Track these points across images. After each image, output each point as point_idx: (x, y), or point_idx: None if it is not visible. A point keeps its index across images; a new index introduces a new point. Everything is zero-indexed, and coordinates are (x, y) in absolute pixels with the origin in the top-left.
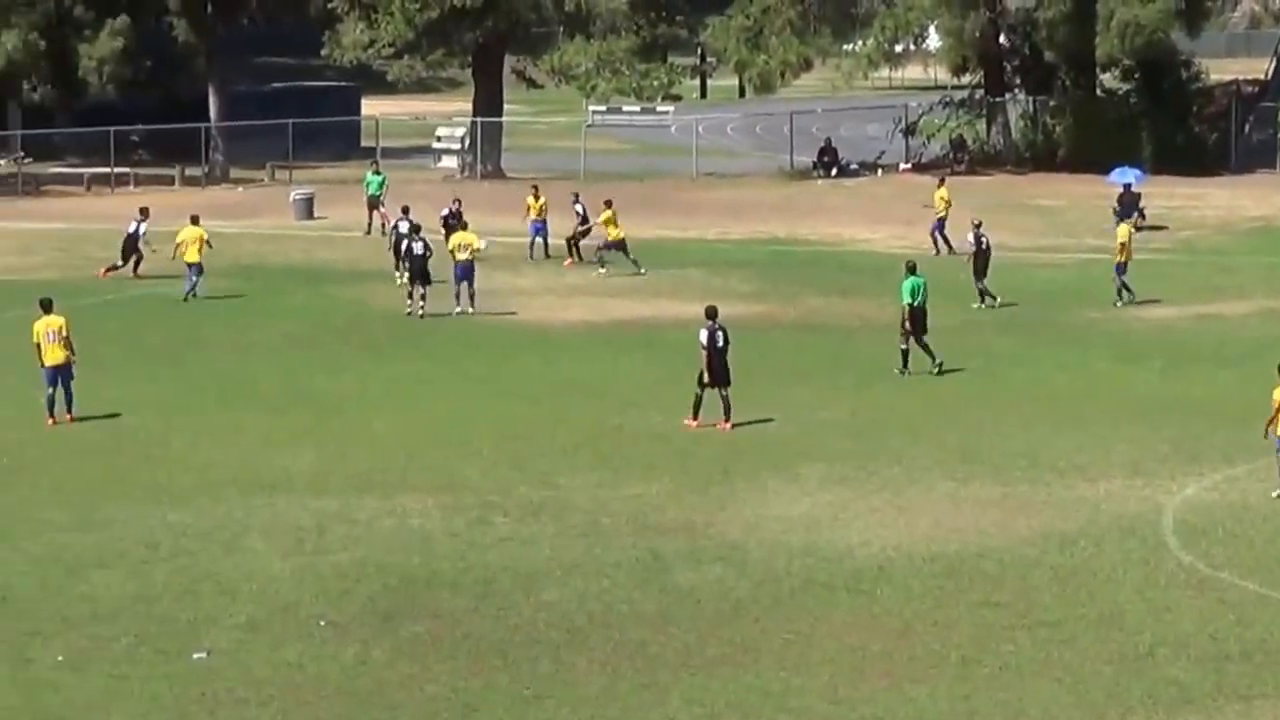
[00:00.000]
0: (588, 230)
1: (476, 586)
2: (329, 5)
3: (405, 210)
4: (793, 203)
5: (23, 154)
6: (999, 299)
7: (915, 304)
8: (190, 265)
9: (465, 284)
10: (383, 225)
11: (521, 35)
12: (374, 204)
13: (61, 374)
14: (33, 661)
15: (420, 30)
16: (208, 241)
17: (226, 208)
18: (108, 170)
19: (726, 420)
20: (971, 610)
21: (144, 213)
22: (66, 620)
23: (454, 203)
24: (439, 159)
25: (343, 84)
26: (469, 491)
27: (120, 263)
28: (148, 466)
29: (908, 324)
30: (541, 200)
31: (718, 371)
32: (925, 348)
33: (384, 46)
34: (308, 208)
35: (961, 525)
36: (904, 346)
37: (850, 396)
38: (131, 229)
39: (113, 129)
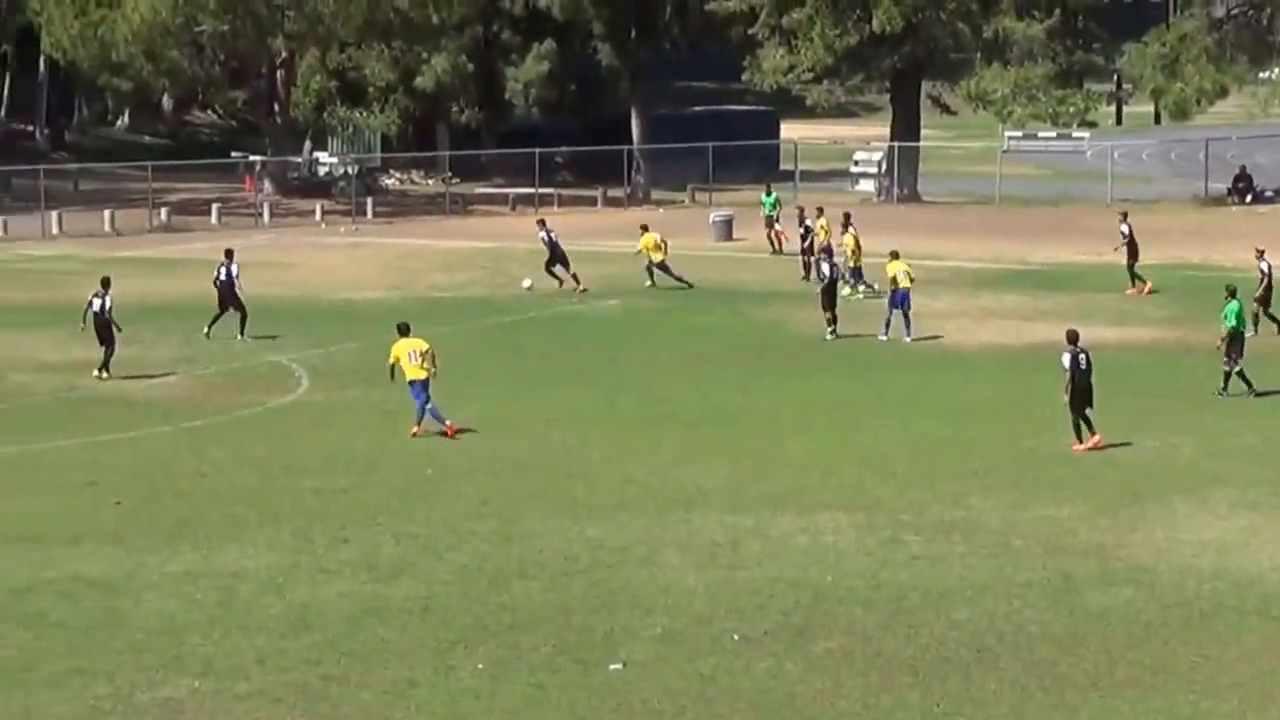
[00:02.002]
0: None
1: (888, 604)
2: (750, 31)
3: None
4: (1206, 229)
5: (450, 174)
6: None
7: (1235, 328)
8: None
9: (899, 310)
10: (779, 243)
11: (939, 61)
12: (770, 223)
13: (422, 389)
14: (454, 669)
15: (840, 56)
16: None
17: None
18: (532, 191)
19: (1081, 441)
20: None
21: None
22: (487, 629)
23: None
24: (856, 182)
25: (762, 108)
26: (882, 510)
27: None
28: (567, 481)
29: (1227, 346)
30: (823, 221)
31: (1083, 394)
32: (1240, 374)
33: (803, 72)
34: (726, 229)
35: None
36: (1230, 369)
37: (1262, 422)
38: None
39: (537, 151)
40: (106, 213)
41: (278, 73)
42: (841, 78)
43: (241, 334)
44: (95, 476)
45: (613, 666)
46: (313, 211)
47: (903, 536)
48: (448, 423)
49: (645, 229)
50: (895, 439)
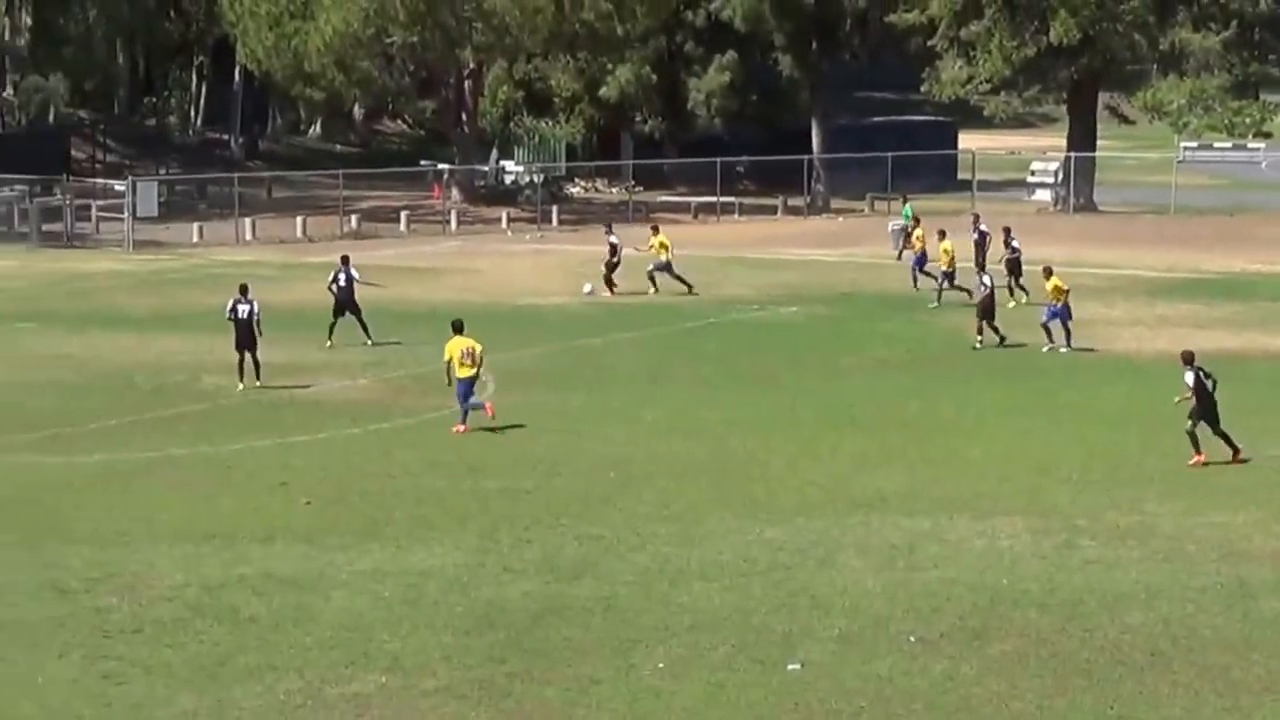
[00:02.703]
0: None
1: (1063, 607)
2: (929, 43)
3: (1007, 231)
4: None
5: (634, 183)
6: None
7: None
8: (946, 274)
9: (1059, 321)
10: (900, 252)
11: (1115, 72)
12: (907, 233)
13: (468, 387)
14: (635, 667)
15: (1017, 67)
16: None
17: (827, 237)
18: (714, 199)
19: (1200, 452)
20: None
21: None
22: (668, 628)
23: (1007, 246)
24: (1032, 192)
25: (940, 119)
26: (1057, 515)
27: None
28: (747, 484)
29: None
30: (919, 231)
31: (1210, 412)
32: None
33: (981, 83)
34: (905, 238)
35: None
36: None
37: None
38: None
39: (719, 160)
40: (298, 219)
41: (466, 83)
42: (1019, 89)
43: (369, 338)
44: (286, 477)
45: (791, 666)
46: (499, 219)
47: (1078, 541)
48: (486, 404)
49: (656, 230)
50: (1070, 445)
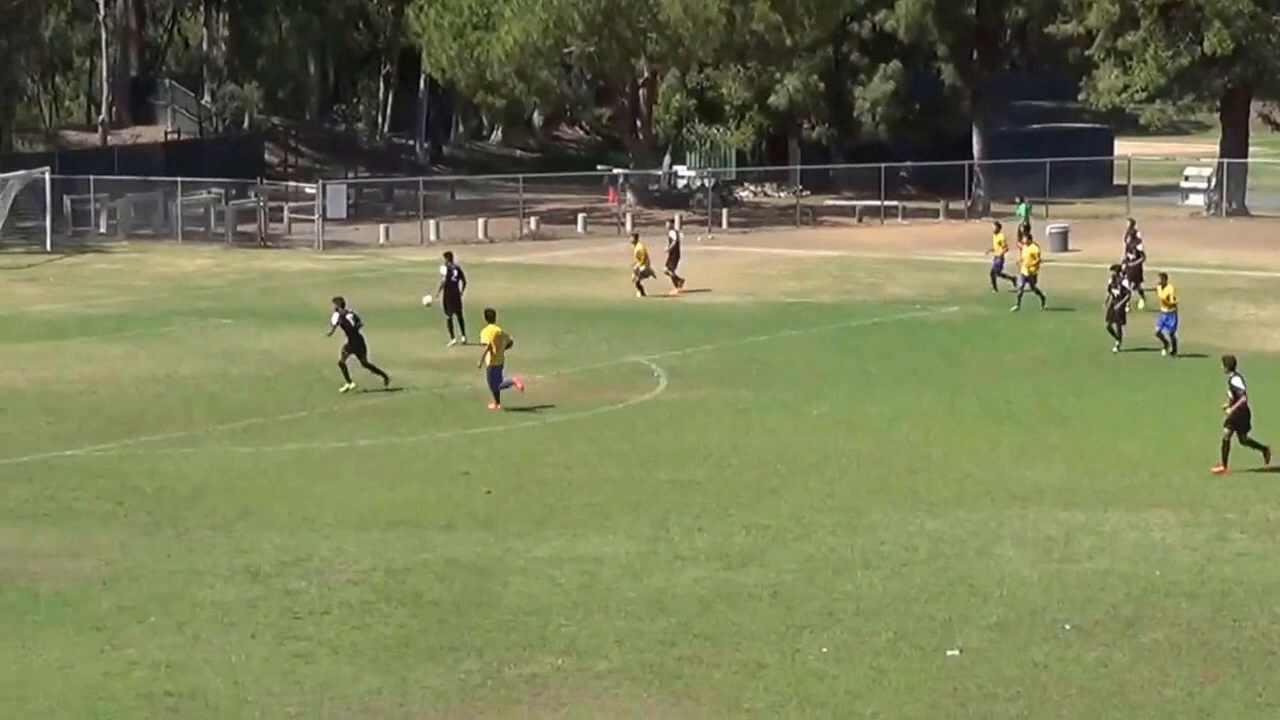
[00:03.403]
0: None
1: (1213, 598)
2: (1086, 53)
3: (1134, 234)
4: None
5: (801, 187)
6: None
7: None
8: (1027, 278)
9: (1169, 330)
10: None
11: (1268, 81)
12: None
13: (500, 372)
14: (800, 651)
15: (1172, 76)
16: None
17: (986, 239)
18: (877, 203)
19: (1225, 464)
20: None
21: None
22: (832, 615)
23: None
24: (1186, 197)
25: (1096, 126)
26: (1208, 509)
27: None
28: (909, 477)
29: None
30: (1001, 235)
31: (1246, 419)
32: None
33: (1137, 91)
34: (1063, 240)
35: None
36: None
37: None
38: None
39: (883, 165)
40: (480, 221)
41: (640, 91)
42: (1173, 97)
43: (465, 336)
44: (468, 467)
45: (950, 652)
46: (672, 221)
47: (1228, 534)
48: (515, 381)
49: (636, 239)
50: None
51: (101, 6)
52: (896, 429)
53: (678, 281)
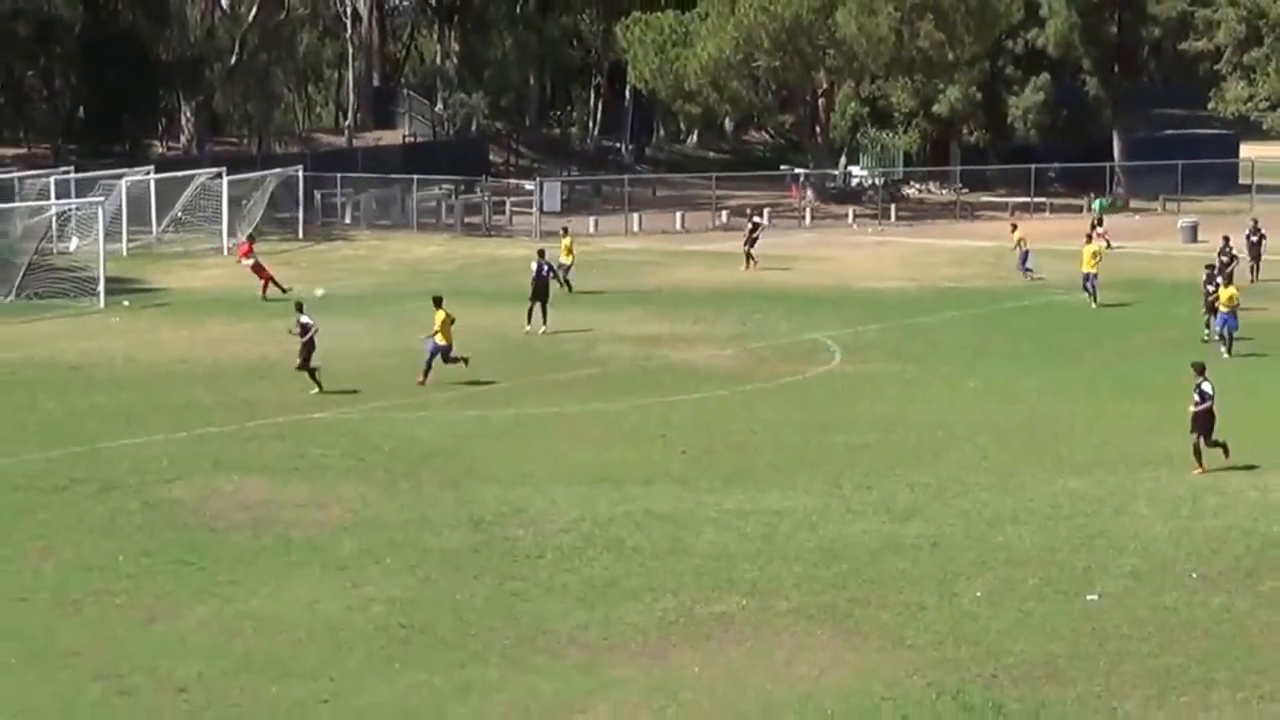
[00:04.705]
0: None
1: None
2: (1215, 67)
3: (1225, 240)
4: None
5: (961, 185)
6: None
7: None
8: (1087, 275)
9: (1229, 329)
10: (1107, 243)
11: None
12: (1094, 225)
13: (446, 351)
14: (957, 595)
15: None
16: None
17: (1125, 231)
18: (1027, 200)
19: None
20: None
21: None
22: (985, 563)
23: (1223, 254)
24: None
25: (1223, 132)
26: None
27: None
28: (1054, 443)
29: None
30: (1019, 233)
31: (1212, 422)
32: None
33: (1261, 100)
34: (1192, 233)
35: None
36: None
37: None
38: None
39: (1033, 167)
40: (677, 214)
41: (819, 100)
42: None
43: (545, 325)
44: (665, 430)
45: (1090, 597)
46: (846, 215)
47: None
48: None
49: (565, 231)
50: None
51: (349, 25)
52: (1043, 400)
53: (750, 260)
